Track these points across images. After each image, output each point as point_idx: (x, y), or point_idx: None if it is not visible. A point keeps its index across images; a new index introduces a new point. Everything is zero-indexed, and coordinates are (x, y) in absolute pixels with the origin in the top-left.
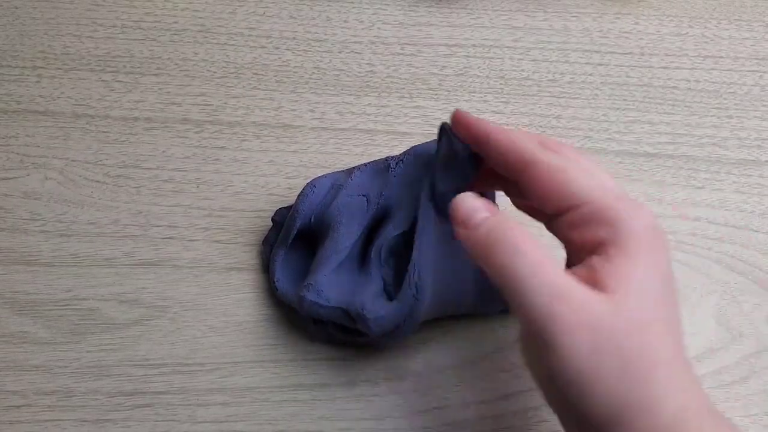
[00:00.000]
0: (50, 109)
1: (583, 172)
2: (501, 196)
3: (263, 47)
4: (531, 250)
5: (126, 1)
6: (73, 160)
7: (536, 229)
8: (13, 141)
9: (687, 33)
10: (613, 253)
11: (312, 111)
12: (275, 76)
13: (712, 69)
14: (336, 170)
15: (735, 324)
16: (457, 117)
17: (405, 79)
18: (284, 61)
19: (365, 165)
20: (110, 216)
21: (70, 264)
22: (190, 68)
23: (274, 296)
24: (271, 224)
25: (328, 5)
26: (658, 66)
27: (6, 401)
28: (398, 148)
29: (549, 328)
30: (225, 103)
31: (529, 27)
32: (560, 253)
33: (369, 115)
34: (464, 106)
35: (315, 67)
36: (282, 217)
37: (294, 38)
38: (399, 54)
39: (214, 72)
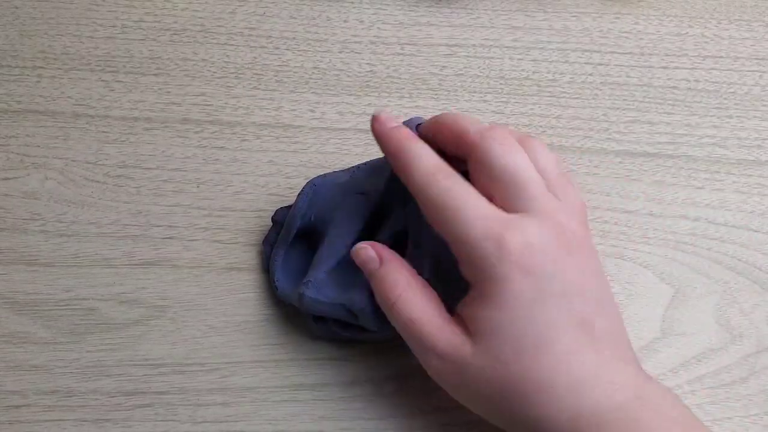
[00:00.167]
0: (50, 109)
1: (475, 202)
2: None
3: (263, 47)
4: (413, 309)
5: (126, 1)
6: (73, 160)
7: None
8: (12, 141)
9: (687, 33)
10: (474, 295)
11: (312, 111)
12: (275, 76)
13: (712, 69)
14: (336, 170)
15: (735, 324)
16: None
17: (405, 79)
18: (284, 61)
19: (365, 164)
20: (110, 216)
21: (70, 264)
22: (190, 68)
23: (274, 296)
24: (271, 224)
25: (329, 5)
26: (658, 66)
27: (6, 401)
28: None
29: (431, 375)
30: (225, 103)
31: (529, 27)
32: None
33: (369, 115)
34: (464, 106)
35: (315, 67)
36: (282, 217)
37: (294, 38)
38: (399, 54)
39: (214, 72)
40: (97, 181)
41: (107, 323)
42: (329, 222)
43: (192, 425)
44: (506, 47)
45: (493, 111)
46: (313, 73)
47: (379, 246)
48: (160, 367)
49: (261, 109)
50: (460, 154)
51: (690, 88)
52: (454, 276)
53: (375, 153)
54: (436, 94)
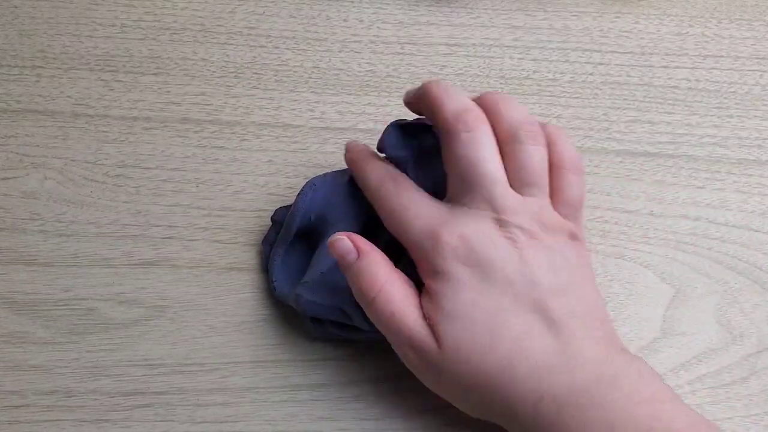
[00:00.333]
0: (49, 109)
1: (415, 204)
2: None
3: (263, 46)
4: (391, 302)
5: (125, 1)
6: (72, 160)
7: None
8: (12, 141)
9: (687, 32)
10: (427, 291)
11: (312, 110)
12: (275, 75)
13: (713, 68)
14: (336, 170)
15: (735, 324)
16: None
17: (405, 78)
18: (284, 61)
19: None
20: (109, 216)
21: (70, 264)
22: (189, 67)
23: (274, 296)
24: (271, 224)
25: (328, 4)
26: (658, 65)
27: (5, 401)
28: None
29: (411, 369)
30: (224, 103)
31: (529, 26)
32: None
33: (369, 114)
34: None
35: (315, 67)
36: (281, 217)
37: (294, 37)
38: (399, 53)
39: (214, 71)
40: (97, 181)
41: (106, 323)
42: (329, 222)
43: (191, 425)
44: (506, 46)
45: None
46: (312, 72)
47: (356, 237)
48: (159, 368)
49: (260, 108)
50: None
51: (690, 88)
52: None
53: None
54: None
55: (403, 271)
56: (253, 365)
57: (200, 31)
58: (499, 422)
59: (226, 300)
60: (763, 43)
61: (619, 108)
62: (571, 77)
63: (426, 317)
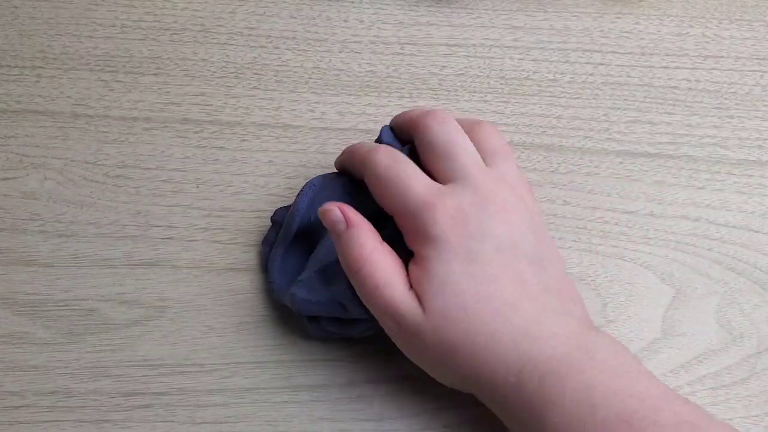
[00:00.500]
0: (49, 109)
1: (413, 178)
2: None
3: (263, 47)
4: (377, 271)
5: (125, 1)
6: (72, 160)
7: None
8: (12, 141)
9: (688, 33)
10: (417, 259)
11: (312, 111)
12: (275, 75)
13: (713, 69)
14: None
15: (735, 325)
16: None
17: (405, 79)
18: (284, 61)
19: None
20: (109, 216)
21: (70, 264)
22: (189, 68)
23: (273, 297)
24: (271, 224)
25: (328, 5)
26: (658, 66)
27: (5, 402)
28: None
29: (393, 339)
30: (225, 103)
31: (530, 27)
32: None
33: (369, 115)
34: (464, 107)
35: (315, 67)
36: (281, 217)
37: (294, 38)
38: (399, 54)
39: (214, 72)
40: (97, 181)
41: (106, 324)
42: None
43: (191, 426)
44: (507, 47)
45: (493, 111)
46: (313, 72)
47: (346, 208)
48: (159, 368)
49: (261, 109)
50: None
51: (691, 88)
52: None
53: None
54: (436, 94)
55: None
56: (253, 366)
57: (200, 31)
58: (476, 392)
59: (226, 300)
60: (764, 43)
61: (619, 108)
62: (572, 78)
63: (413, 285)
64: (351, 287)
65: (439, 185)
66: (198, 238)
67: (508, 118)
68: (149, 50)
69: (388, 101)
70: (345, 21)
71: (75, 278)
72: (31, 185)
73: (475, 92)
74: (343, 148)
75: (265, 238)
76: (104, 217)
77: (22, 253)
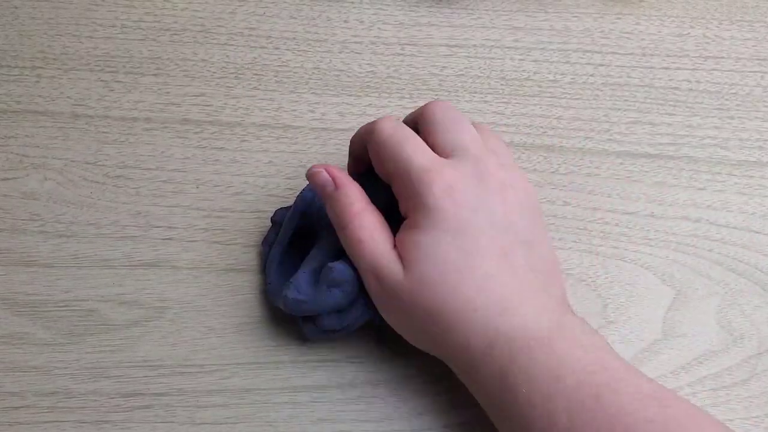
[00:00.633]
0: (49, 110)
1: (417, 147)
2: None
3: (263, 47)
4: (362, 227)
5: (125, 1)
6: (72, 161)
7: None
8: (12, 141)
9: (688, 33)
10: (408, 224)
11: (312, 111)
12: (275, 76)
13: (714, 70)
14: None
15: (736, 326)
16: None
17: (405, 79)
18: (284, 62)
19: (366, 172)
20: (109, 217)
21: (70, 265)
22: (189, 68)
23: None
24: (271, 225)
25: (329, 5)
26: (659, 67)
27: (5, 402)
28: None
29: (371, 297)
30: (225, 104)
31: (530, 27)
32: None
33: (369, 115)
34: (465, 107)
35: (315, 68)
36: (281, 217)
37: (294, 38)
38: (399, 54)
39: (214, 72)
40: (97, 182)
41: (106, 324)
42: (325, 227)
43: (191, 426)
44: (507, 48)
45: (494, 112)
46: (313, 73)
47: (333, 169)
48: (159, 369)
49: (261, 109)
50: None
51: (691, 89)
52: None
53: None
54: (436, 95)
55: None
56: (253, 366)
57: (200, 31)
58: (447, 359)
59: (225, 301)
60: (764, 44)
61: (619, 109)
62: (572, 78)
63: (398, 247)
64: (354, 269)
65: (440, 158)
66: (198, 238)
67: (509, 118)
68: (149, 51)
69: (389, 102)
70: (345, 21)
71: (75, 279)
72: (31, 185)
73: (475, 93)
74: (344, 148)
75: (264, 238)
76: (104, 217)
77: (22, 254)
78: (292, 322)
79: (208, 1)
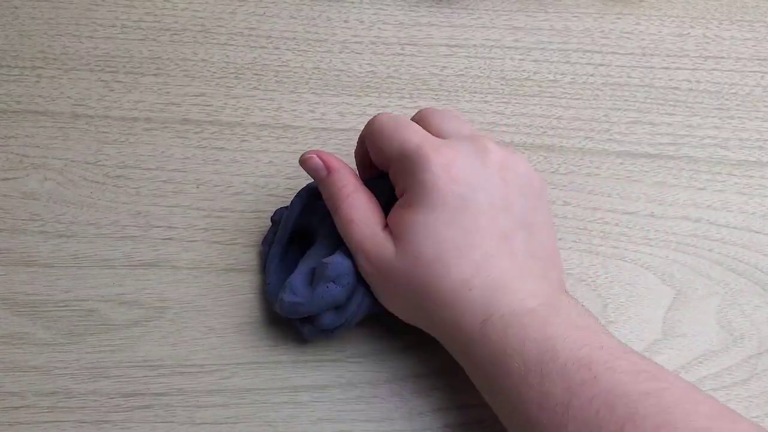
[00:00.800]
0: (49, 110)
1: (413, 129)
2: None
3: (263, 47)
4: (352, 207)
5: (126, 1)
6: (72, 161)
7: None
8: (12, 141)
9: (688, 33)
10: (402, 202)
11: (312, 111)
12: (275, 76)
13: (714, 70)
14: None
15: (736, 325)
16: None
17: (405, 79)
18: (284, 62)
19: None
20: (110, 217)
21: (70, 265)
22: (189, 68)
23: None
24: (271, 224)
25: (329, 5)
26: (659, 67)
27: (5, 402)
28: None
29: (363, 276)
30: (225, 104)
31: (530, 27)
32: None
33: (370, 115)
34: (465, 107)
35: (315, 68)
36: (281, 217)
37: (294, 38)
38: (400, 54)
39: (214, 72)
40: (97, 182)
41: (106, 324)
42: (322, 230)
43: (191, 426)
44: (507, 48)
45: (494, 112)
46: (313, 73)
47: (325, 154)
48: (159, 369)
49: (261, 109)
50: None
51: (691, 89)
52: None
53: None
54: (436, 95)
55: None
56: (253, 366)
57: (200, 31)
58: (440, 335)
59: (226, 301)
60: (764, 44)
61: (620, 109)
62: (572, 78)
63: (390, 226)
64: (351, 263)
65: (437, 138)
66: (198, 238)
67: (509, 118)
68: (149, 51)
69: (389, 102)
70: (345, 21)
71: (75, 279)
72: (31, 185)
73: (475, 93)
74: (344, 148)
75: (265, 238)
76: (104, 217)
77: (22, 254)
78: (291, 322)
79: (208, 1)
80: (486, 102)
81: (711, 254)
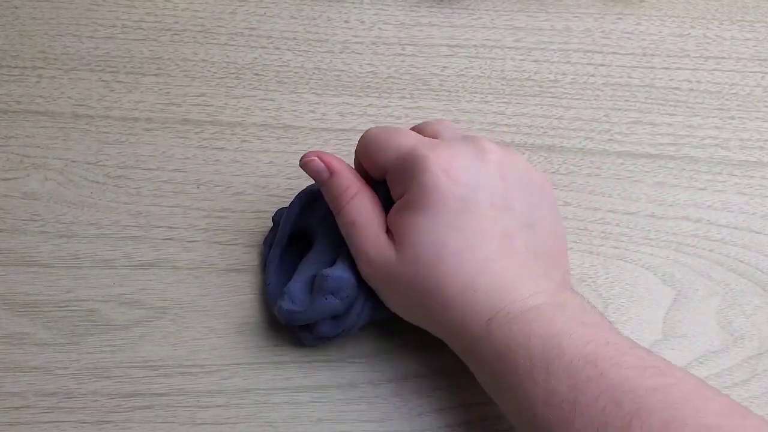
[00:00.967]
0: (50, 110)
1: (406, 134)
2: None
3: (264, 47)
4: (354, 210)
5: (126, 1)
6: (72, 161)
7: None
8: (12, 141)
9: (689, 34)
10: (401, 205)
11: (313, 112)
12: (276, 76)
13: (714, 70)
14: None
15: (737, 326)
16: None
17: (406, 79)
18: (285, 62)
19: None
20: (110, 217)
21: (70, 265)
22: (190, 68)
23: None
24: (272, 224)
25: (329, 5)
26: (659, 67)
27: (5, 402)
28: None
29: (365, 279)
30: (225, 104)
31: (531, 27)
32: None
33: (370, 116)
34: (465, 107)
35: (316, 68)
36: (282, 217)
37: (295, 38)
38: (400, 54)
39: (215, 72)
40: (97, 182)
41: (107, 325)
42: (321, 231)
43: (191, 427)
44: (508, 48)
45: (494, 112)
46: (314, 73)
47: (327, 156)
48: (160, 369)
49: (261, 109)
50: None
51: (692, 89)
52: None
53: None
54: (437, 95)
55: None
56: (254, 367)
57: (201, 32)
58: (445, 336)
59: (226, 301)
60: (765, 44)
61: (620, 109)
62: (573, 78)
63: (390, 229)
64: (354, 273)
65: (433, 139)
66: (198, 238)
67: (509, 119)
68: (150, 51)
69: (389, 102)
70: (346, 22)
71: (75, 279)
72: (32, 186)
73: (476, 93)
74: (344, 148)
75: (265, 238)
76: (105, 217)
77: (23, 254)
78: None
79: (208, 2)
80: (486, 102)
81: (711, 255)
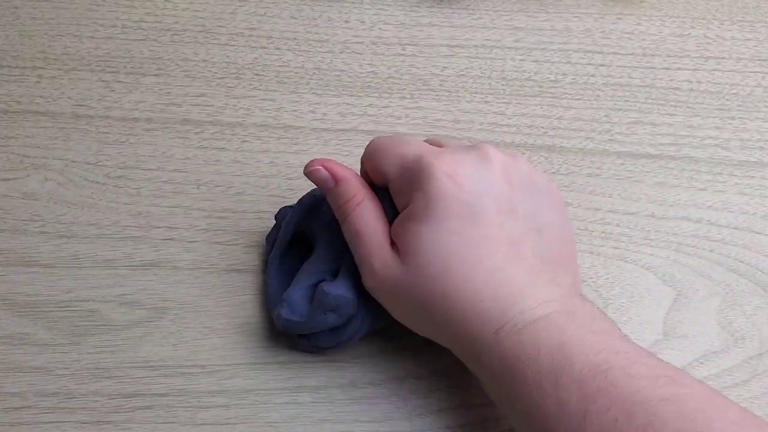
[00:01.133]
0: (50, 110)
1: (411, 142)
2: None
3: (264, 48)
4: (359, 219)
5: (126, 2)
6: (73, 161)
7: None
8: (12, 142)
9: (689, 34)
10: (406, 215)
11: (313, 112)
12: (276, 76)
13: (715, 70)
14: None
15: (737, 326)
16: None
17: (406, 79)
18: (285, 62)
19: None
20: (110, 217)
21: (71, 265)
22: (190, 69)
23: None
24: (274, 221)
25: (330, 5)
26: (660, 67)
27: (6, 403)
28: None
29: (368, 290)
30: (225, 104)
31: (531, 27)
32: None
33: (370, 116)
34: (465, 107)
35: (316, 68)
36: (285, 216)
37: (295, 39)
38: (400, 55)
39: (215, 72)
40: (97, 182)
41: (107, 325)
42: (323, 236)
43: (192, 427)
44: (508, 48)
45: (494, 112)
46: (314, 73)
47: (331, 164)
48: (160, 369)
49: (262, 109)
50: None
51: (692, 89)
52: None
53: None
54: (437, 95)
55: None
56: (254, 367)
57: (201, 32)
58: (453, 346)
59: (227, 302)
60: (765, 44)
61: (620, 109)
62: (573, 78)
63: (395, 239)
64: (354, 289)
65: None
66: (199, 239)
67: (510, 119)
68: (150, 51)
69: (390, 102)
70: (346, 22)
71: (76, 279)
72: (32, 186)
73: (476, 93)
74: (345, 149)
75: (268, 235)
76: (105, 218)
77: (23, 254)
78: None
79: (208, 2)
80: (487, 102)
81: (712, 255)
